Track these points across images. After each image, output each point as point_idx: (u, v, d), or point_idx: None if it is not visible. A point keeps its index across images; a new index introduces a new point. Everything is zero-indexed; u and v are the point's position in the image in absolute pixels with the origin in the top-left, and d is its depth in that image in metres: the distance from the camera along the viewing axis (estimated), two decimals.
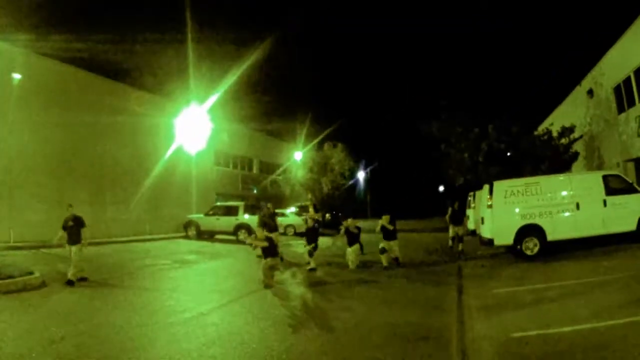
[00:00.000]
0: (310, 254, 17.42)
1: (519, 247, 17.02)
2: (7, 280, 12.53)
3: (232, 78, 36.29)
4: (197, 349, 7.83)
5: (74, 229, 15.20)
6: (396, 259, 17.68)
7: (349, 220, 18.16)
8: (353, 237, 17.76)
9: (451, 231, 22.32)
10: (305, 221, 21.91)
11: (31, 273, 13.55)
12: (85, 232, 15.43)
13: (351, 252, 17.61)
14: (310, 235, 18.11)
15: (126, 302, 11.78)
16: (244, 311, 10.85)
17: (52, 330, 8.80)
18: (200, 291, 13.38)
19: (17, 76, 23.17)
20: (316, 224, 19.25)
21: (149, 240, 28.37)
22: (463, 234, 22.08)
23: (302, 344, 8.22)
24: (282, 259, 17.11)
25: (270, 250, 14.13)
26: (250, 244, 15.39)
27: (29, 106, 24.80)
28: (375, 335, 8.64)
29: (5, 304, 11.09)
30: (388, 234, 17.76)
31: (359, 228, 18.04)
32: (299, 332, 8.94)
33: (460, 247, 21.01)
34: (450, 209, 22.65)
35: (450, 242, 22.59)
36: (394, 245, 17.72)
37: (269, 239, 14.28)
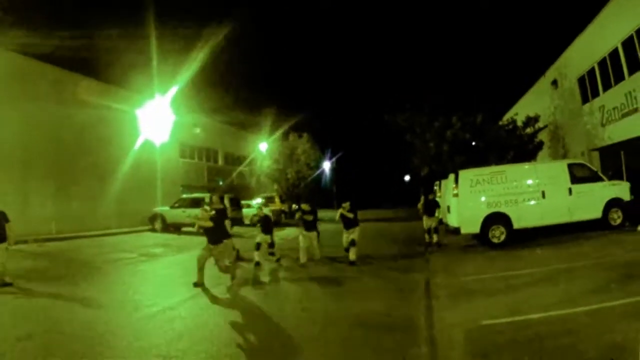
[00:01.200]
0: (258, 246, 16.12)
1: (485, 235, 17.11)
2: None
3: (194, 69, 35.96)
4: (166, 343, 7.67)
5: None
6: (352, 241, 15.98)
7: (346, 205, 16.38)
8: (348, 222, 16.37)
9: (425, 223, 20.18)
10: (236, 221, 21.58)
11: None
12: (11, 228, 13.19)
13: (308, 243, 16.41)
14: (265, 225, 16.67)
15: (93, 298, 11.48)
16: (211, 304, 10.73)
17: (18, 328, 8.58)
18: (168, 284, 13.16)
19: None
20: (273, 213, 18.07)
21: (115, 234, 27.85)
22: (436, 225, 20.07)
23: (269, 334, 8.13)
24: (238, 257, 16.86)
25: (216, 234, 12.70)
26: (193, 224, 13.63)
27: None
28: (341, 326, 8.57)
29: None
30: (349, 223, 16.48)
31: (314, 210, 16.85)
32: (266, 323, 8.87)
33: (435, 238, 19.60)
34: (422, 198, 21.32)
35: (426, 236, 20.24)
36: (353, 232, 16.24)
37: (214, 220, 12.74)
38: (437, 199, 23.31)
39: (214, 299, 11.19)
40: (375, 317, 9.02)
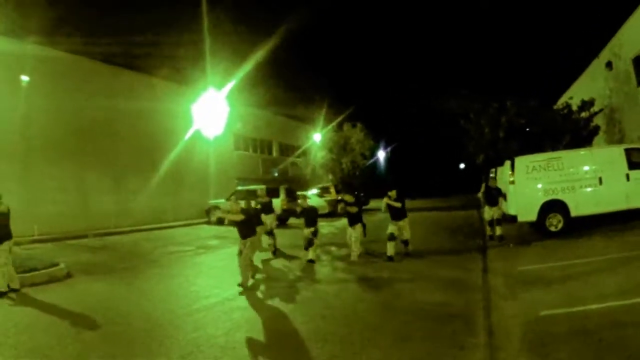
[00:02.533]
0: (310, 242, 14.94)
1: (542, 223, 16.88)
2: (31, 273, 12.72)
3: (250, 62, 36.19)
4: (224, 334, 7.93)
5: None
6: (406, 242, 15.26)
7: (392, 193, 15.14)
8: (396, 212, 15.04)
9: (487, 213, 18.24)
10: (292, 213, 21.21)
11: (56, 265, 13.68)
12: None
13: (355, 236, 14.92)
14: (308, 217, 15.48)
15: (151, 290, 11.93)
16: (269, 295, 10.99)
17: (79, 320, 8.94)
18: (225, 276, 13.21)
19: (25, 78, 23.31)
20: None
21: (171, 227, 28.60)
22: (499, 216, 17.80)
23: (326, 324, 8.29)
24: (275, 252, 16.86)
25: (246, 227, 12.31)
26: (223, 218, 12.99)
27: (49, 100, 25.02)
28: (399, 316, 8.65)
29: (31, 296, 11.24)
30: (396, 213, 15.14)
31: (359, 201, 16.17)
32: (323, 314, 8.99)
33: (498, 231, 17.54)
34: (483, 186, 19.56)
35: (487, 228, 18.38)
36: (403, 226, 15.20)
37: (245, 212, 12.48)
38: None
39: (272, 291, 11.43)
40: (432, 307, 9.05)
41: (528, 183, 17.11)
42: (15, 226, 21.74)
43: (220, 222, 29.18)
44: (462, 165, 61.59)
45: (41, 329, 8.41)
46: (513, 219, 17.56)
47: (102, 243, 21.55)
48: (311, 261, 14.73)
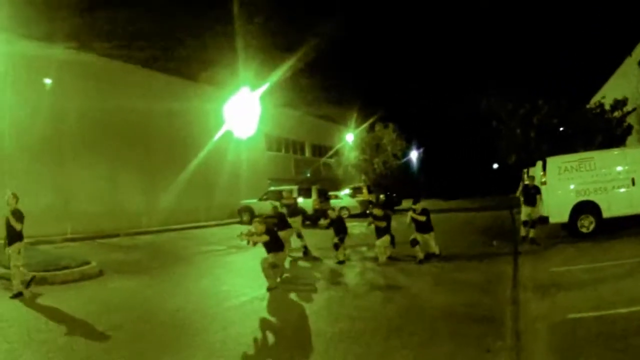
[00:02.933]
0: (337, 245, 15.04)
1: (574, 225, 16.69)
2: (64, 271, 12.93)
3: (283, 63, 36.29)
4: (252, 333, 8.08)
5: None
6: (432, 254, 14.74)
7: (417, 207, 14.67)
8: (421, 226, 14.54)
9: (524, 213, 17.47)
10: (323, 213, 20.62)
11: (88, 263, 13.89)
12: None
13: (378, 245, 14.66)
14: (337, 228, 15.47)
15: (182, 288, 12.12)
16: (300, 295, 11.08)
17: (109, 317, 9.10)
18: (255, 275, 13.21)
19: (48, 81, 23.68)
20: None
21: (203, 227, 28.79)
22: (536, 217, 17.08)
23: (354, 324, 8.34)
24: (305, 252, 16.74)
25: (273, 245, 11.77)
26: (246, 240, 11.85)
27: (82, 103, 25.46)
28: (426, 317, 8.66)
29: (63, 293, 11.45)
30: (421, 227, 14.63)
31: (387, 216, 15.05)
32: (351, 314, 9.02)
33: (532, 233, 16.87)
34: (521, 185, 19.12)
35: (522, 229, 17.76)
36: (429, 239, 14.68)
37: (270, 232, 11.82)
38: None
39: (301, 291, 11.50)
40: (460, 308, 9.03)
41: (560, 184, 16.93)
42: (49, 225, 22.39)
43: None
44: (495, 166, 61.02)
45: (71, 326, 8.60)
46: (545, 220, 17.40)
47: (134, 242, 21.85)
48: (341, 262, 14.77)
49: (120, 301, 10.72)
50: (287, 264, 14.26)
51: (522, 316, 8.35)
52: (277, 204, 17.99)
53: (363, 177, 48.22)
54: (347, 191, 39.87)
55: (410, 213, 14.77)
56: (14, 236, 10.92)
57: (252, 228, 11.91)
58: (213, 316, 9.23)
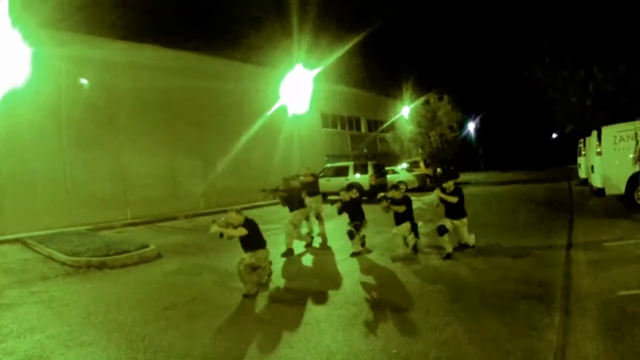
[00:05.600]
0: (351, 234, 12.73)
1: (631, 197, 16.22)
2: (123, 255, 13.40)
3: (338, 40, 36.29)
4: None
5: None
6: (465, 245, 12.31)
7: (449, 184, 12.15)
8: (452, 209, 11.99)
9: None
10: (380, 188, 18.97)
11: (147, 246, 14.30)
12: None
13: (395, 232, 12.33)
14: (352, 211, 13.13)
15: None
16: (351, 269, 11.13)
17: (164, 298, 9.40)
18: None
19: (84, 81, 24.21)
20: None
21: (260, 206, 29.02)
22: None
23: (405, 300, 8.20)
24: (309, 244, 14.69)
25: (251, 242, 9.85)
26: (220, 234, 9.71)
27: (140, 92, 26.54)
28: (476, 293, 8.58)
29: (122, 277, 11.89)
30: (452, 210, 12.02)
31: (407, 199, 12.40)
32: (401, 291, 8.97)
33: None
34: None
35: None
36: (461, 227, 12.17)
37: (249, 224, 9.87)
38: (582, 158, 22.14)
39: (355, 262, 11.62)
40: (511, 284, 8.90)
41: (616, 154, 16.45)
42: (109, 211, 23.11)
43: None
44: (554, 136, 59.78)
45: (128, 307, 8.93)
46: (601, 192, 17.04)
47: (192, 224, 22.29)
48: (356, 254, 12.64)
49: (177, 282, 10.99)
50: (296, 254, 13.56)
51: (573, 292, 8.13)
52: (296, 177, 16.29)
53: (420, 150, 47.85)
54: (404, 165, 39.76)
55: (437, 191, 12.28)
56: None
57: (228, 217, 9.90)
58: (265, 295, 9.41)
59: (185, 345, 6.90)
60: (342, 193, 13.27)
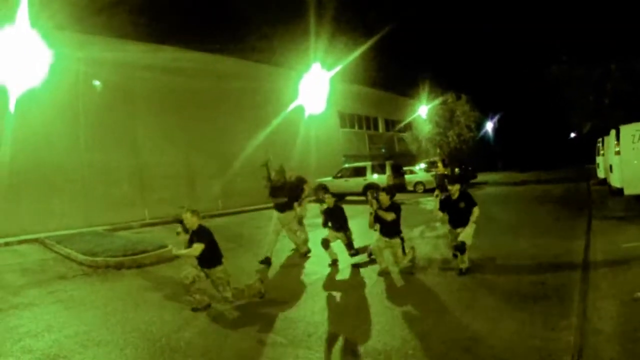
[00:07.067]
0: (350, 245, 12.26)
1: None
2: (141, 255, 13.49)
3: (356, 40, 36.33)
4: (320, 311, 8.34)
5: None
6: (462, 245, 9.97)
7: (454, 188, 10.59)
8: (457, 217, 10.48)
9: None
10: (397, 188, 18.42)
11: (164, 246, 14.29)
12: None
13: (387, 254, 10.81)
14: (335, 220, 12.32)
15: (253, 268, 12.25)
16: (372, 273, 10.95)
17: (181, 298, 9.41)
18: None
19: (97, 83, 24.28)
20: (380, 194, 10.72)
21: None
22: None
23: (420, 301, 8.22)
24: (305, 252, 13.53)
25: (206, 257, 8.99)
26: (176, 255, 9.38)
27: (157, 94, 26.66)
28: (493, 294, 8.57)
29: (139, 276, 11.99)
30: (456, 217, 10.53)
31: (397, 207, 10.63)
32: (418, 293, 8.94)
33: None
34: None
35: None
36: (394, 247, 10.70)
37: (204, 234, 9.13)
38: (600, 157, 21.96)
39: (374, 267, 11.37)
40: (528, 286, 8.86)
41: (635, 153, 16.23)
42: (128, 211, 23.30)
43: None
44: (572, 135, 59.36)
45: (145, 307, 9.05)
46: (619, 192, 16.88)
47: (209, 225, 22.16)
48: (334, 261, 11.93)
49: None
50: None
51: (591, 294, 8.09)
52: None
53: (438, 150, 47.66)
54: (422, 165, 39.66)
55: (436, 193, 11.63)
56: None
57: (179, 239, 9.62)
58: (283, 295, 9.48)
59: (203, 345, 6.99)
60: (326, 197, 12.47)
